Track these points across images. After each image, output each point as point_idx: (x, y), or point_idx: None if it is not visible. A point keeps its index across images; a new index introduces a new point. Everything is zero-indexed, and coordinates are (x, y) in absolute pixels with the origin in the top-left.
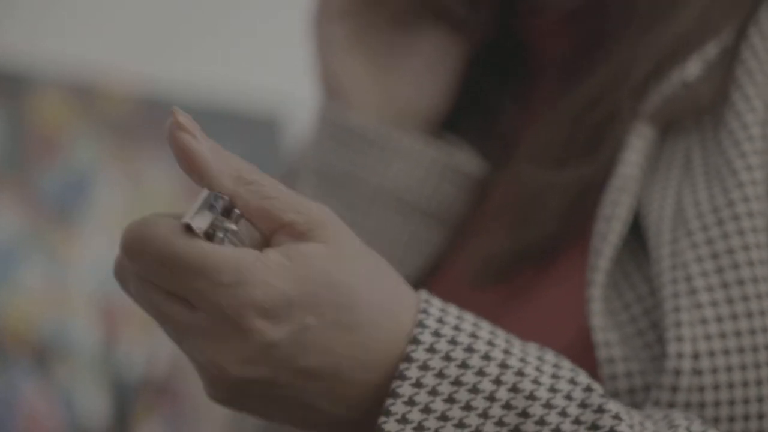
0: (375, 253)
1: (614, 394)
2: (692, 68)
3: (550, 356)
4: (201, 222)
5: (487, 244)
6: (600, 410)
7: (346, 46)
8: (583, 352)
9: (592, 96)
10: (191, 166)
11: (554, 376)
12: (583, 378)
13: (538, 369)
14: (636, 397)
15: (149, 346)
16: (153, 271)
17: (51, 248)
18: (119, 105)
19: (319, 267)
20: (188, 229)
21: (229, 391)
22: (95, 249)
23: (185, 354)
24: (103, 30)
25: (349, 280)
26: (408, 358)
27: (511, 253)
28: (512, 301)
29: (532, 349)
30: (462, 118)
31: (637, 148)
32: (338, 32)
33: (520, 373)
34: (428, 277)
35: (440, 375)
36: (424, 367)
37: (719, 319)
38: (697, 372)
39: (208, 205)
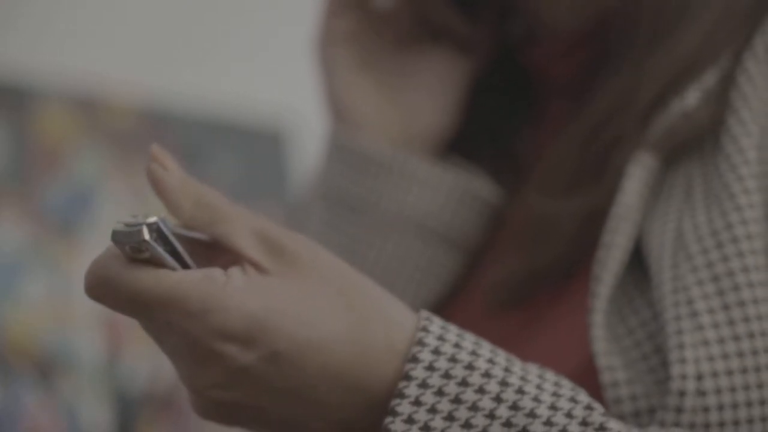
0: (361, 277)
1: (619, 418)
2: (691, 98)
3: (550, 375)
4: (145, 234)
5: (499, 271)
6: (601, 428)
7: (352, 69)
8: (589, 377)
9: (596, 122)
10: (158, 192)
11: (555, 395)
12: (584, 397)
13: (538, 387)
14: (641, 420)
15: (152, 360)
16: (124, 310)
17: (54, 261)
18: (122, 118)
19: (281, 292)
20: (134, 250)
21: (214, 411)
22: None
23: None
24: (106, 43)
25: (315, 301)
26: (407, 377)
27: (523, 278)
28: (524, 328)
29: (533, 369)
30: (473, 144)
31: (637, 177)
32: (343, 56)
33: (520, 391)
34: (443, 304)
35: (439, 393)
36: (423, 385)
37: (721, 341)
38: (701, 393)
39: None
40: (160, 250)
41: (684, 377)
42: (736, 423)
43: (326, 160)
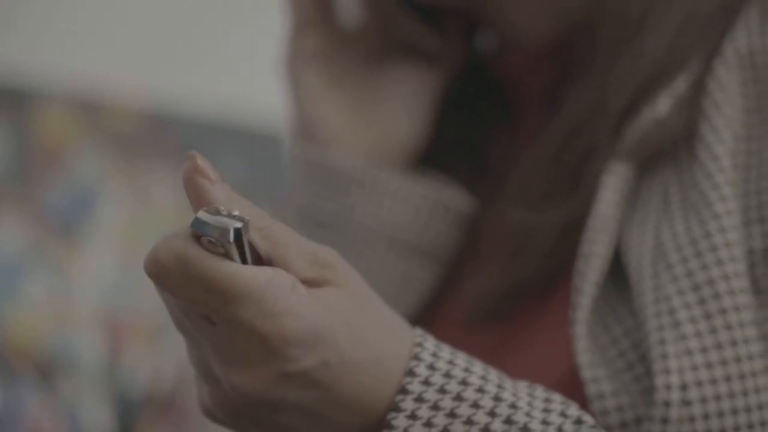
0: (375, 293)
1: (606, 429)
2: (662, 105)
3: (540, 392)
4: (231, 235)
5: (478, 284)
6: None
7: (320, 87)
8: (574, 390)
9: (567, 132)
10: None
11: (546, 410)
12: (574, 411)
13: (529, 403)
14: (628, 431)
15: (153, 361)
16: (191, 294)
17: (55, 263)
18: (124, 120)
19: (337, 307)
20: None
21: (233, 412)
22: (99, 264)
23: (194, 364)
24: (108, 45)
25: (361, 322)
26: (404, 391)
27: (502, 291)
28: (505, 342)
29: (523, 385)
30: (447, 155)
31: (611, 187)
32: (311, 74)
33: (513, 406)
34: (421, 318)
35: (435, 407)
36: (420, 399)
37: (704, 350)
38: (687, 403)
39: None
40: (236, 253)
41: (668, 387)
42: (722, 431)
43: (295, 177)
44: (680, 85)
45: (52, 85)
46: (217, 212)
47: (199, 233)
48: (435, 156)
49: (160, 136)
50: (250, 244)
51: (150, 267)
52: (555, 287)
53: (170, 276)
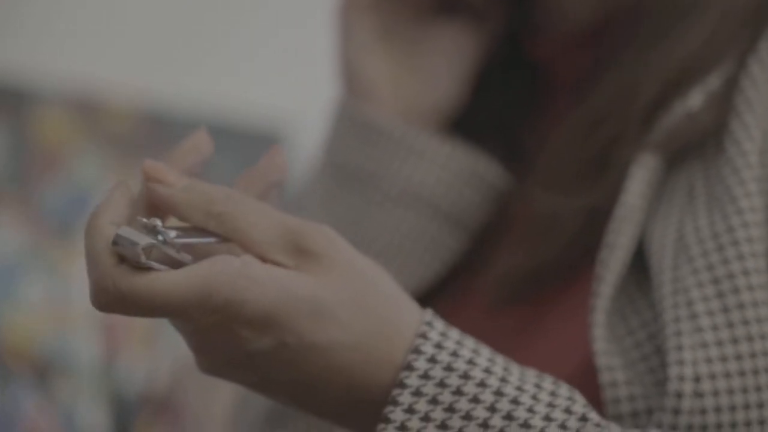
0: (375, 272)
1: (617, 418)
2: (695, 99)
3: (547, 383)
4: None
5: (502, 266)
6: None
7: (369, 40)
8: (589, 376)
9: (595, 119)
10: (165, 210)
11: (550, 405)
12: (579, 407)
13: (534, 397)
14: (639, 421)
15: (149, 362)
16: (136, 314)
17: (52, 264)
18: (122, 120)
19: (299, 290)
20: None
21: (225, 376)
22: None
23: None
24: (105, 46)
25: (332, 305)
26: (401, 384)
27: (525, 275)
28: (525, 325)
29: (530, 377)
30: (477, 130)
31: (640, 178)
32: (362, 24)
33: (515, 401)
34: (446, 298)
35: (434, 401)
36: (418, 393)
37: (720, 343)
38: (699, 395)
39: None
40: (159, 267)
41: (682, 379)
42: (733, 425)
43: (334, 130)
44: (714, 80)
45: (50, 86)
46: (139, 224)
47: (119, 252)
48: (467, 128)
49: (158, 137)
50: (194, 244)
51: (93, 302)
52: (577, 274)
53: (111, 307)
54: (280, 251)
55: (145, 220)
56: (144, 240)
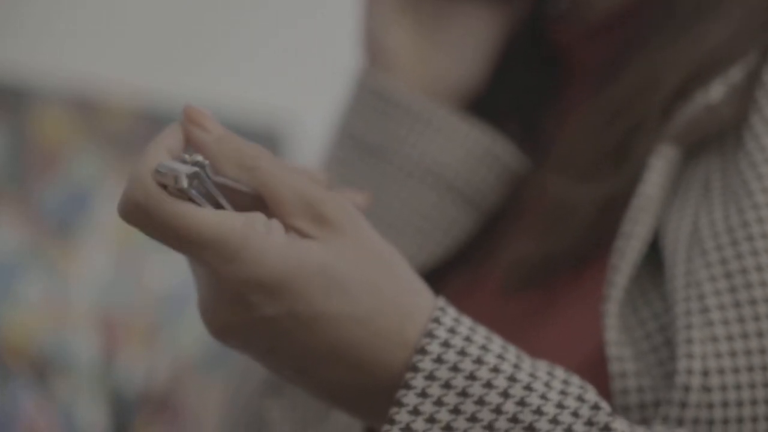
0: (392, 254)
1: (625, 409)
2: (716, 92)
3: (559, 372)
4: (182, 181)
5: (516, 251)
6: (606, 428)
7: (393, 12)
8: (598, 366)
9: (615, 107)
10: (201, 154)
11: (562, 393)
12: (591, 396)
13: (546, 384)
14: (646, 413)
15: (149, 360)
16: (159, 240)
17: (51, 263)
18: (120, 119)
19: (316, 260)
20: (180, 191)
21: (229, 340)
22: (95, 264)
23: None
24: (104, 45)
25: (344, 278)
26: (414, 368)
27: (539, 261)
28: (537, 312)
29: (542, 365)
30: (496, 115)
31: (658, 169)
32: None
33: (528, 388)
34: (458, 281)
35: (446, 386)
36: (431, 377)
37: (730, 338)
38: (707, 389)
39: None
40: (198, 198)
41: (690, 372)
42: (740, 421)
43: (353, 101)
44: (736, 74)
45: (50, 85)
46: (180, 159)
47: (160, 181)
48: (485, 109)
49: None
50: (228, 187)
51: (119, 207)
52: (591, 262)
53: (135, 218)
54: (302, 217)
55: (187, 156)
56: (188, 169)
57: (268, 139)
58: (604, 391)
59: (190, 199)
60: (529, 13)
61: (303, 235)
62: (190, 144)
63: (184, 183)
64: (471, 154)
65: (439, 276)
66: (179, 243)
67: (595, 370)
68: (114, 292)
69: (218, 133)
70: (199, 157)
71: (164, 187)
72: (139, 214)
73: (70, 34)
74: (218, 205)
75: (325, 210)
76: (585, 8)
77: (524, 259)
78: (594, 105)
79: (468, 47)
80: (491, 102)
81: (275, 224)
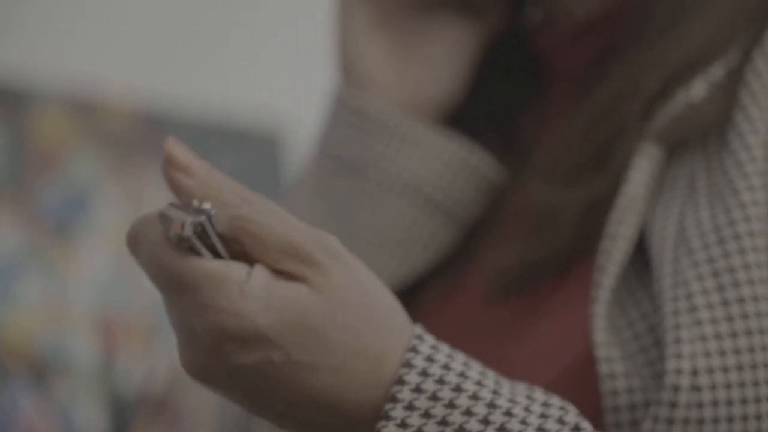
0: (376, 287)
1: (615, 410)
2: (697, 90)
3: (539, 395)
4: (187, 229)
5: (500, 257)
6: None
7: (369, 27)
8: (587, 367)
9: (599, 111)
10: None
11: (542, 416)
12: (572, 417)
13: (526, 409)
14: (636, 413)
15: (148, 362)
16: (147, 272)
17: (50, 264)
18: (119, 121)
19: (296, 310)
20: (179, 239)
21: (207, 384)
22: (94, 265)
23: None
24: (103, 46)
25: (324, 326)
26: (393, 399)
27: (523, 266)
28: (523, 316)
29: (521, 388)
30: (474, 123)
31: (642, 168)
32: (362, 13)
33: (508, 413)
34: (441, 289)
35: (426, 415)
36: (410, 407)
37: (718, 337)
38: (696, 388)
39: (194, 213)
40: (198, 246)
41: (679, 372)
42: (730, 420)
43: (329, 118)
44: (717, 71)
45: (48, 85)
46: (188, 205)
47: (164, 225)
48: (464, 121)
49: (155, 138)
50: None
51: (126, 240)
52: (575, 265)
53: (135, 253)
54: (289, 261)
55: (196, 202)
56: (194, 218)
57: (268, 142)
58: (591, 393)
59: (191, 247)
60: (506, 22)
61: (292, 277)
62: (172, 189)
63: (188, 232)
64: (448, 166)
65: (420, 284)
66: (163, 285)
67: (582, 371)
68: (113, 293)
69: (200, 174)
70: (207, 205)
71: (167, 229)
72: (134, 248)
73: (70, 36)
74: (217, 253)
75: (312, 250)
76: (564, 14)
77: (508, 267)
78: (576, 111)
79: (443, 61)
80: (470, 111)
81: (257, 272)
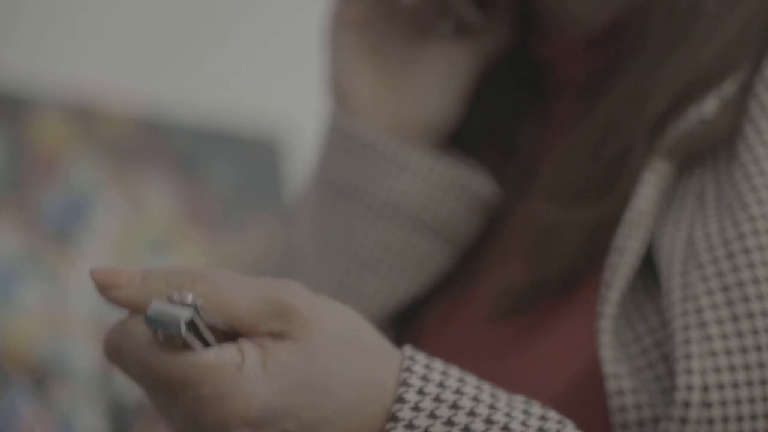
0: (356, 321)
1: (623, 426)
2: (709, 106)
3: (536, 409)
4: (182, 329)
5: (504, 277)
6: None
7: (359, 55)
8: (593, 384)
9: (605, 128)
10: (134, 309)
11: (540, 430)
12: (570, 431)
13: (523, 423)
14: (645, 429)
15: None
16: (136, 377)
17: (50, 270)
18: (119, 127)
19: (294, 372)
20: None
21: None
22: None
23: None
24: (102, 52)
25: (323, 374)
26: (393, 418)
27: (528, 286)
28: (528, 332)
29: (518, 403)
30: (476, 140)
31: (651, 183)
32: (352, 41)
33: (505, 428)
34: (442, 309)
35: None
36: (410, 426)
37: (729, 352)
38: (707, 404)
39: (175, 307)
40: (192, 340)
41: (690, 388)
42: None
43: (323, 143)
44: (728, 87)
45: (48, 92)
46: (169, 300)
47: (154, 329)
48: (465, 140)
49: (155, 144)
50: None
51: (104, 352)
52: (582, 281)
53: (117, 362)
54: (267, 321)
55: (176, 295)
56: (186, 315)
57: (268, 147)
58: (598, 408)
59: (184, 344)
60: (508, 38)
61: (275, 335)
62: (123, 308)
63: (183, 330)
64: (437, 187)
65: (414, 307)
66: (155, 386)
67: (589, 386)
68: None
69: (137, 280)
70: (189, 297)
71: (155, 331)
72: (115, 357)
73: (69, 42)
74: (204, 340)
75: (287, 302)
76: (571, 24)
77: (512, 287)
78: (581, 125)
79: (435, 88)
80: (470, 125)
81: (248, 349)
